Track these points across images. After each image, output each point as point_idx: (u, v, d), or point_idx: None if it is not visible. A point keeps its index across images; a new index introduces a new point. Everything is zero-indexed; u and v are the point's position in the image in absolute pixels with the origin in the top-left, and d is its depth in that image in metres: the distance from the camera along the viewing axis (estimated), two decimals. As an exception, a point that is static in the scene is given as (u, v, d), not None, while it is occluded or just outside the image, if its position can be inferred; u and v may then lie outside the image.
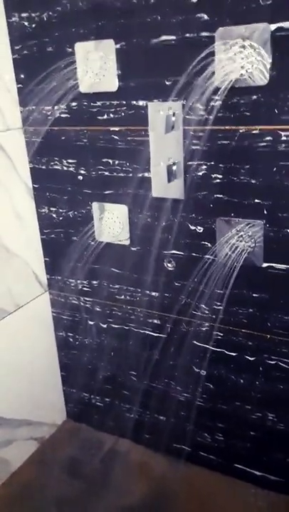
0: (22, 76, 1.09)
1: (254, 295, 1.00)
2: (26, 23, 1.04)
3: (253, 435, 1.13)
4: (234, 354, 1.08)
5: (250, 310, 1.02)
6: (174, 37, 0.90)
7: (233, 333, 1.06)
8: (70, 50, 1.01)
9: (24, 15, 1.03)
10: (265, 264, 0.97)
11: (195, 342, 1.12)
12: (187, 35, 0.88)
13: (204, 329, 1.09)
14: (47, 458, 1.33)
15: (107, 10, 0.94)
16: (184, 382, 1.18)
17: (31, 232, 1.23)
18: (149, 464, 1.28)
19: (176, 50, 0.90)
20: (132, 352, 1.22)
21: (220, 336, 1.08)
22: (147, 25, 0.91)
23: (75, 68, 1.01)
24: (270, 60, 0.82)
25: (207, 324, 1.08)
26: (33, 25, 1.03)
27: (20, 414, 1.27)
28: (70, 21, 0.99)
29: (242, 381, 1.09)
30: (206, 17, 0.86)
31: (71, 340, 1.32)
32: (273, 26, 0.81)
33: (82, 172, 1.11)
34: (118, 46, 0.95)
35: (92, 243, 1.16)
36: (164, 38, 0.91)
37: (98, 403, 1.36)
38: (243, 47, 0.84)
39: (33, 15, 1.02)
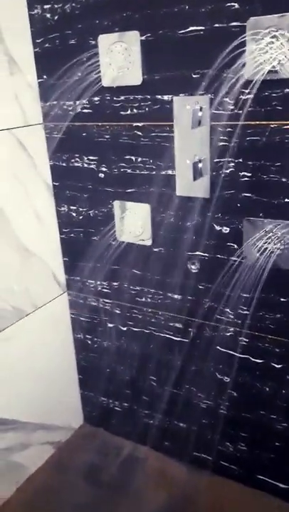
0: (43, 70, 1.06)
1: (282, 300, 0.95)
2: (48, 15, 1.00)
3: (277, 446, 1.08)
4: (260, 361, 1.03)
5: (278, 315, 0.97)
6: (202, 27, 0.85)
7: (259, 339, 1.01)
8: (93, 42, 0.97)
9: (46, 6, 1.00)
10: (295, 268, 0.92)
11: (219, 348, 1.07)
12: (216, 25, 0.84)
13: (229, 334, 1.04)
14: (63, 463, 1.30)
15: (132, 0, 0.90)
16: (206, 389, 1.13)
17: (50, 232, 1.19)
18: (168, 472, 1.24)
19: (205, 42, 0.86)
20: (153, 356, 1.18)
21: (245, 341, 1.03)
22: (174, 15, 0.87)
23: (98, 61, 0.98)
24: (306, 51, 0.77)
25: (232, 329, 1.04)
26: (56, 17, 1.00)
27: (37, 417, 1.24)
28: (94, 12, 0.95)
29: (267, 389, 1.04)
30: (236, 6, 0.81)
31: (89, 342, 1.29)
32: (310, 14, 0.76)
33: (104, 169, 1.07)
34: (143, 38, 0.92)
35: (113, 243, 1.13)
36: (191, 28, 0.86)
37: (116, 408, 1.32)
38: (276, 37, 0.80)
39: (55, 6, 0.99)
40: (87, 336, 1.29)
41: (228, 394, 1.10)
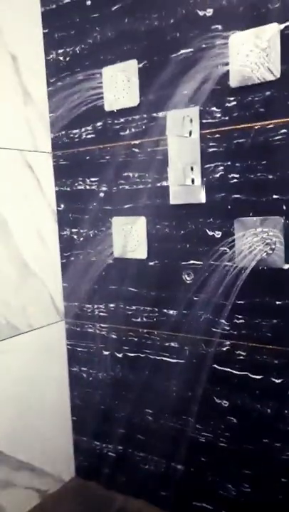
0: (55, 105, 1.18)
1: (277, 302, 0.92)
2: (61, 58, 1.15)
3: (285, 483, 0.95)
4: (259, 377, 0.96)
5: (274, 321, 0.93)
6: (191, 49, 0.96)
7: (257, 350, 0.95)
8: (98, 75, 1.09)
9: (60, 51, 1.15)
10: (287, 266, 0.90)
11: (216, 366, 1.01)
12: (203, 45, 0.95)
13: (225, 349, 0.99)
14: (48, 515, 1.16)
15: (131, 35, 1.03)
16: (204, 418, 1.04)
17: (52, 255, 1.22)
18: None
19: (193, 61, 0.96)
20: (149, 385, 1.12)
21: (242, 355, 0.97)
22: (168, 42, 0.99)
23: (102, 90, 1.09)
24: (280, 55, 0.86)
25: (228, 343, 0.99)
26: (67, 59, 1.14)
27: (23, 454, 1.14)
28: (99, 50, 1.09)
29: (269, 411, 0.96)
30: (220, 27, 0.92)
31: (85, 375, 1.23)
32: (282, 26, 0.85)
33: (104, 189, 1.13)
34: (140, 66, 1.03)
35: (111, 261, 1.14)
36: (182, 51, 0.98)
37: (110, 453, 1.21)
38: (254, 49, 0.89)
39: (67, 50, 1.14)
40: (83, 369, 1.23)
41: (228, 421, 1.01)
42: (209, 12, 0.93)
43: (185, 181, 0.98)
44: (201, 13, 0.94)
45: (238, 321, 0.97)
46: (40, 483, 1.19)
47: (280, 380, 0.94)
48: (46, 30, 1.17)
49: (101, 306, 1.17)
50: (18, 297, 1.12)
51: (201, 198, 0.98)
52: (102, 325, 1.18)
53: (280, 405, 0.94)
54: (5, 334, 1.09)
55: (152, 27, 1.01)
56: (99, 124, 1.11)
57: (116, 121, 1.09)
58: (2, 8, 1.06)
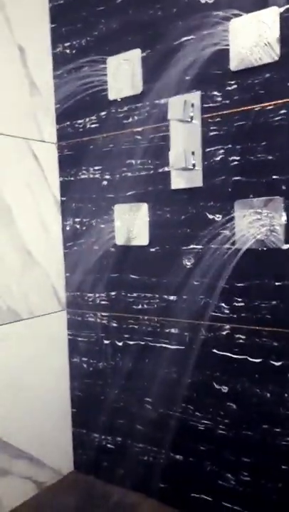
0: (60, 95, 1.20)
1: (277, 283, 0.92)
2: (68, 51, 1.18)
3: (285, 470, 0.93)
4: (258, 361, 0.95)
5: (274, 302, 0.92)
6: (193, 36, 0.98)
7: (256, 333, 0.95)
8: (103, 65, 1.12)
9: (67, 44, 1.18)
10: (286, 246, 0.90)
11: (215, 351, 1.00)
12: (204, 32, 0.97)
13: (225, 333, 0.98)
14: (45, 508, 1.14)
15: (135, 25, 1.06)
16: (203, 405, 1.03)
17: (55, 245, 1.23)
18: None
19: (195, 47, 0.98)
20: (148, 373, 1.11)
21: (242, 339, 0.96)
22: (170, 31, 1.01)
23: (106, 80, 1.11)
24: (279, 37, 0.87)
25: (228, 327, 0.98)
26: (74, 51, 1.17)
27: (20, 443, 1.13)
28: (104, 41, 1.11)
29: (268, 395, 0.94)
30: (221, 13, 0.94)
31: (85, 366, 1.22)
32: (282, 9, 0.87)
33: (107, 177, 1.14)
34: (144, 54, 1.06)
35: (112, 249, 1.14)
36: (184, 38, 1.00)
37: (109, 445, 1.19)
38: (253, 32, 0.91)
39: (74, 43, 1.17)
40: (83, 359, 1.23)
41: (227, 408, 0.99)
42: None
43: (186, 166, 0.99)
44: (202, 0, 0.97)
45: (237, 304, 0.97)
46: (37, 475, 1.18)
47: (279, 363, 0.92)
48: (54, 25, 1.20)
49: (102, 294, 1.17)
50: (20, 284, 1.13)
51: (202, 181, 0.99)
52: (103, 314, 1.18)
53: (279, 389, 0.93)
54: (5, 319, 1.09)
55: (155, 17, 1.03)
56: (103, 113, 1.14)
57: (120, 110, 1.11)
58: (12, 3, 1.10)
